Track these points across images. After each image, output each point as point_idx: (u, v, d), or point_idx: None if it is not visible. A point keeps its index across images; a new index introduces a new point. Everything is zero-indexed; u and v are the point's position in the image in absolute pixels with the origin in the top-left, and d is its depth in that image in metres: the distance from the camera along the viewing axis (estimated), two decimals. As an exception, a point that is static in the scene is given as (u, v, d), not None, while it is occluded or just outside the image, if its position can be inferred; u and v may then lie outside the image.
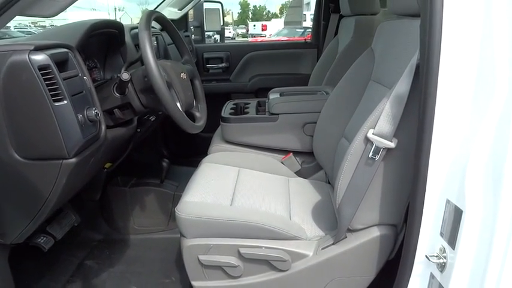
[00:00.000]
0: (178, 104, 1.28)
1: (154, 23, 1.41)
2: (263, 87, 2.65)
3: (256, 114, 1.78)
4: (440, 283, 0.82)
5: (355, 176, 1.03)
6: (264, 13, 53.98)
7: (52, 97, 0.94)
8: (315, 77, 2.37)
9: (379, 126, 0.98)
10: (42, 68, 0.92)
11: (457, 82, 0.78)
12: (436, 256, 0.83)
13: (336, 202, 1.08)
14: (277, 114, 1.69)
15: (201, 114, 1.46)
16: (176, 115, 1.21)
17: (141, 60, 1.50)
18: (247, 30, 25.81)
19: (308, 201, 1.37)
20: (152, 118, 1.64)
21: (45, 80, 0.93)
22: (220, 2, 2.98)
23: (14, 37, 3.45)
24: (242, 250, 1.13)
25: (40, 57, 0.92)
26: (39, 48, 0.94)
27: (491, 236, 0.74)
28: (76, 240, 1.74)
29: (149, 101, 1.29)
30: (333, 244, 1.11)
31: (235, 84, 2.72)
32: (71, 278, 1.57)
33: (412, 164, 0.88)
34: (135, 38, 1.54)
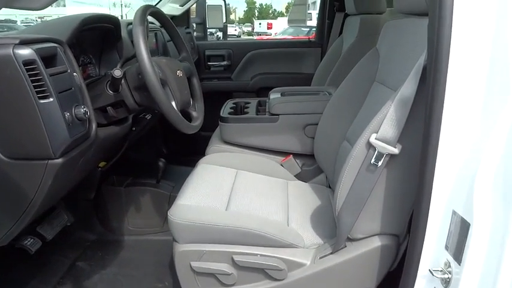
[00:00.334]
0: (173, 103, 1.23)
1: (154, 19, 1.36)
2: (265, 86, 2.59)
3: (256, 114, 1.73)
4: (444, 300, 0.77)
5: (356, 182, 0.97)
6: (270, 11, 53.87)
7: (37, 94, 0.89)
8: (318, 76, 2.31)
9: (383, 130, 0.93)
10: (27, 63, 0.88)
11: (466, 84, 0.72)
12: (441, 271, 0.78)
13: (335, 209, 1.03)
14: (278, 114, 1.64)
15: (197, 114, 1.41)
16: (170, 114, 1.16)
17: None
18: (253, 29, 25.74)
19: (307, 207, 1.31)
20: (148, 116, 1.60)
21: (30, 75, 0.88)
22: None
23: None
24: (236, 257, 1.08)
25: (25, 52, 0.87)
26: (24, 43, 0.89)
27: (500, 252, 0.68)
28: (68, 240, 1.70)
29: (143, 99, 1.24)
30: (331, 253, 1.06)
31: (236, 83, 2.66)
32: (62, 280, 1.52)
33: (416, 172, 0.83)
34: (131, 32, 1.49)
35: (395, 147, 0.92)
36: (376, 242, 1.02)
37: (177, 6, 2.42)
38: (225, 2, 2.95)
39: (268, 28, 21.02)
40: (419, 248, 0.82)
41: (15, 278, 1.48)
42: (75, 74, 1.05)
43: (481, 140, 0.71)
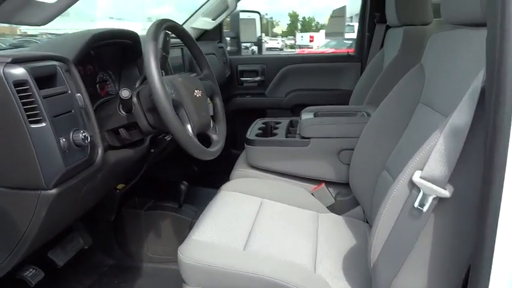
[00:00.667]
0: (188, 126, 1.11)
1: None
2: (300, 103, 2.45)
3: (286, 136, 1.58)
4: None
5: (395, 229, 0.80)
6: (313, 24, 53.81)
7: (28, 118, 0.80)
8: (357, 94, 2.13)
9: (429, 167, 0.75)
10: (19, 83, 0.79)
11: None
12: None
13: (370, 259, 0.85)
14: (309, 138, 1.48)
15: (218, 137, 1.28)
16: (182, 139, 1.04)
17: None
18: (296, 41, 25.71)
19: (339, 247, 1.14)
20: (168, 138, 1.49)
21: (21, 97, 0.79)
22: (257, 12, 2.83)
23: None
24: (251, 309, 0.93)
25: (16, 72, 0.79)
26: (18, 61, 0.81)
27: None
28: (85, 264, 1.61)
29: (157, 121, 1.13)
30: (364, 312, 0.88)
31: (270, 100, 2.53)
32: None
33: (473, 220, 0.66)
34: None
35: (445, 189, 0.74)
36: (421, 303, 0.83)
37: (210, 20, 2.34)
38: (260, 15, 2.86)
39: (310, 41, 20.88)
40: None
41: None
42: (78, 94, 0.95)
43: None
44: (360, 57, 2.42)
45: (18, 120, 0.79)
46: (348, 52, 2.53)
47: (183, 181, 1.65)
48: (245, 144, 1.56)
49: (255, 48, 3.01)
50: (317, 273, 1.00)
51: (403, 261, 0.80)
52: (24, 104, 0.79)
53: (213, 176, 2.17)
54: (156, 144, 1.43)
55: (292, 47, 23.99)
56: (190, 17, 2.37)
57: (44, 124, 0.81)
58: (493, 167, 0.60)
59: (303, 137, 1.49)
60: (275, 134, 1.60)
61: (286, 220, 1.24)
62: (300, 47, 19.82)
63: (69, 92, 0.90)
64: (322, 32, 26.97)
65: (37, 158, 0.81)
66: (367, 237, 1.20)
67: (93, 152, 0.97)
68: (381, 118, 1.31)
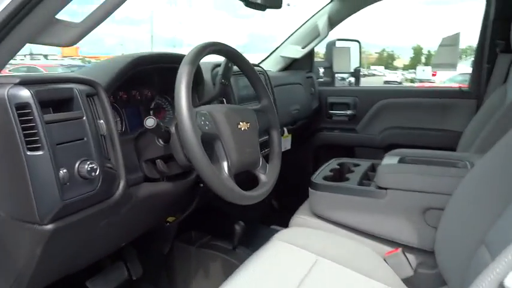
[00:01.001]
0: (224, 164, 0.95)
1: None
2: (395, 143, 2.11)
3: (361, 183, 1.31)
4: None
5: None
6: (439, 58, 50.35)
7: (27, 144, 0.72)
8: (467, 137, 1.74)
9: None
10: (21, 106, 0.72)
11: None
12: None
13: None
14: (386, 188, 1.20)
15: (267, 178, 1.09)
16: (209, 179, 0.88)
17: (208, 102, 1.24)
18: (416, 75, 24.20)
19: None
20: None
21: (22, 121, 0.72)
22: (357, 41, 2.60)
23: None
24: None
25: (20, 93, 0.72)
26: (26, 83, 0.74)
27: None
28: None
29: None
30: None
31: (361, 137, 2.25)
32: None
33: None
34: (215, 76, 1.30)
35: None
36: None
37: (299, 48, 2.20)
38: (359, 44, 2.62)
39: (433, 75, 19.34)
40: None
41: None
42: (101, 121, 0.87)
43: None
44: (476, 93, 2.01)
45: (16, 145, 0.71)
46: (460, 87, 2.13)
47: (240, 221, 1.49)
48: (309, 188, 1.34)
49: (352, 79, 2.76)
50: None
51: None
52: (24, 128, 0.72)
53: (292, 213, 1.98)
54: None
55: (412, 80, 22.54)
56: (280, 46, 2.27)
57: (41, 152, 0.73)
58: None
59: (379, 187, 1.21)
60: (347, 179, 1.34)
61: (340, 291, 0.98)
62: (421, 81, 18.48)
63: (84, 118, 0.81)
64: (448, 65, 24.86)
65: (31, 188, 0.73)
66: None
67: (108, 185, 0.86)
68: (485, 172, 0.98)
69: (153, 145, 1.04)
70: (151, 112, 1.24)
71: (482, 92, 1.93)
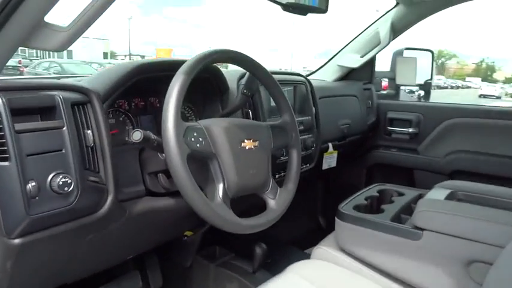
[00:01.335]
0: (219, 186, 0.85)
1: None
2: (463, 169, 1.83)
3: (397, 217, 1.12)
4: None
5: None
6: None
7: None
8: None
9: None
10: None
11: None
12: None
13: None
14: (422, 229, 1.00)
15: (276, 204, 0.97)
16: (195, 205, 0.79)
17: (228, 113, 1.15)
18: (518, 89, 21.77)
19: None
20: None
21: None
22: (429, 51, 2.32)
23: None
24: None
25: None
26: (4, 89, 0.71)
27: None
28: None
29: (194, 173, 0.91)
30: None
31: (423, 159, 1.99)
32: None
33: None
34: (239, 86, 1.20)
35: None
36: None
37: (357, 57, 2.01)
38: (432, 54, 2.34)
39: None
40: None
41: None
42: (88, 131, 0.82)
43: None
44: None
45: None
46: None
47: (261, 243, 1.37)
48: (335, 218, 1.18)
49: (421, 92, 2.47)
50: None
51: None
52: None
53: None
54: None
55: (512, 95, 20.35)
56: (338, 52, 2.10)
57: (7, 163, 0.69)
58: None
59: (415, 226, 1.02)
60: (382, 211, 1.16)
61: None
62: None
63: (64, 128, 0.77)
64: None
65: None
66: None
67: (91, 200, 0.81)
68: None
69: (156, 158, 0.97)
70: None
71: None
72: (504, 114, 1.88)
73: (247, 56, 0.98)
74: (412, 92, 2.52)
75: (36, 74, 12.28)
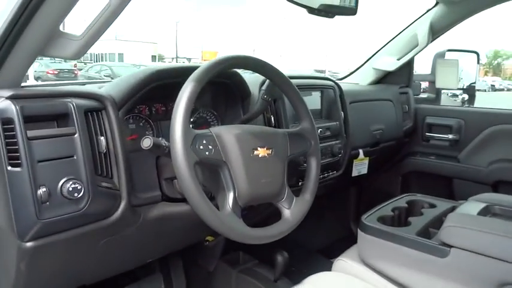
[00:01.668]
0: (230, 195, 0.84)
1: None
2: (507, 180, 1.70)
3: (421, 232, 1.05)
4: None
5: None
6: None
7: (9, 159, 0.72)
8: None
9: None
10: (6, 121, 0.72)
11: None
12: None
13: None
14: (450, 246, 0.93)
15: (291, 215, 0.94)
16: (202, 213, 0.78)
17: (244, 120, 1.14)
18: None
19: None
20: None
21: (6, 137, 0.72)
22: (475, 52, 2.18)
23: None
24: None
25: (5, 108, 0.72)
26: (17, 97, 0.74)
27: None
28: None
29: (206, 180, 0.90)
30: None
31: (464, 167, 1.86)
32: None
33: None
34: (261, 91, 1.18)
35: None
36: None
37: (394, 59, 1.92)
38: (478, 56, 2.20)
39: None
40: None
41: None
42: (101, 138, 0.83)
43: None
44: None
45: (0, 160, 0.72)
46: None
47: (283, 251, 1.33)
48: (358, 229, 1.13)
49: (465, 96, 2.33)
50: None
51: None
52: (7, 144, 0.72)
53: None
54: None
55: None
56: (373, 55, 2.02)
57: (19, 169, 0.72)
58: None
59: (443, 243, 0.95)
60: (408, 224, 1.09)
61: None
62: None
63: (76, 135, 0.79)
64: None
65: (11, 205, 0.72)
66: None
67: (103, 205, 0.82)
68: None
69: (170, 164, 0.98)
70: (191, 125, 1.18)
71: None
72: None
73: (263, 62, 0.96)
74: (455, 95, 2.38)
75: (89, 77, 12.96)
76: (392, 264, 1.03)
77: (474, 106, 2.19)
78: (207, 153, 0.81)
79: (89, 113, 0.83)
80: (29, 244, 0.75)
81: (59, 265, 0.86)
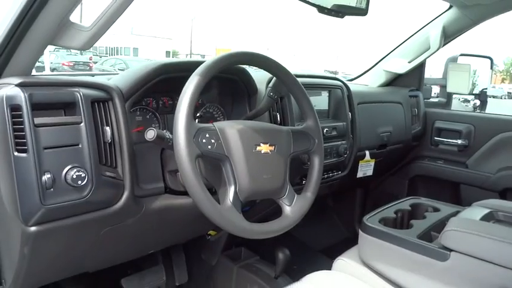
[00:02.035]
0: (231, 189, 0.84)
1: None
2: (515, 187, 1.68)
3: (423, 236, 1.05)
4: None
5: None
6: None
7: (16, 145, 0.74)
8: None
9: None
10: (14, 108, 0.74)
11: None
12: None
13: None
14: (450, 250, 0.93)
15: (292, 212, 0.94)
16: (202, 206, 0.79)
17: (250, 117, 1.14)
18: None
19: None
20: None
21: (13, 123, 0.74)
22: (488, 57, 2.15)
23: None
24: None
25: (14, 95, 0.74)
26: (26, 85, 0.76)
27: None
28: None
29: (208, 174, 0.91)
30: None
31: (471, 173, 1.85)
32: None
33: None
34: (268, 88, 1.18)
35: None
36: None
37: (405, 62, 1.91)
38: (491, 61, 2.17)
39: None
40: None
41: None
42: (107, 128, 0.85)
43: None
44: None
45: (7, 145, 0.74)
46: None
47: (285, 248, 1.34)
48: (359, 230, 1.13)
49: (477, 102, 2.30)
50: None
51: None
52: (14, 130, 0.74)
53: None
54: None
55: None
56: (383, 58, 2.01)
57: (25, 155, 0.73)
58: None
59: (443, 246, 0.95)
60: (410, 226, 1.09)
61: None
62: None
63: (82, 124, 0.80)
64: None
65: (17, 190, 0.74)
66: None
67: (106, 194, 0.84)
68: None
69: (173, 157, 0.99)
70: (196, 120, 1.19)
71: None
72: None
73: (269, 58, 0.96)
74: (467, 101, 2.35)
75: (103, 70, 13.10)
76: (391, 265, 1.03)
77: (485, 112, 2.16)
78: (209, 146, 0.82)
79: (96, 103, 0.84)
80: (32, 229, 0.77)
81: (61, 251, 0.88)
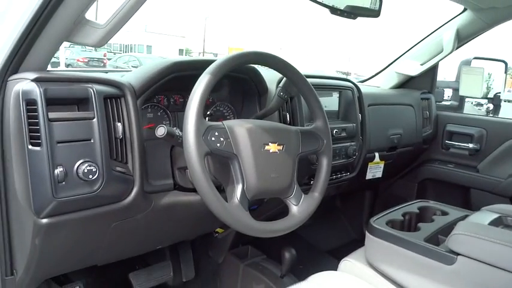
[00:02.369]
0: (239, 187, 0.85)
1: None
2: (527, 193, 1.66)
3: (430, 239, 1.04)
4: None
5: None
6: None
7: (30, 139, 0.76)
8: None
9: None
10: (30, 102, 0.76)
11: None
12: None
13: None
14: (457, 254, 0.92)
15: (298, 211, 0.95)
16: (210, 204, 0.80)
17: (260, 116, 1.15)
18: None
19: None
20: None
21: (29, 117, 0.76)
22: (503, 61, 2.13)
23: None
24: None
25: (30, 90, 0.76)
26: (41, 80, 0.78)
27: None
28: None
29: (217, 171, 0.92)
30: None
31: (482, 178, 1.83)
32: None
33: None
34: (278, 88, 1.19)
35: None
36: None
37: (417, 64, 1.90)
38: (506, 65, 2.14)
39: None
40: None
41: None
42: (118, 123, 0.86)
43: None
44: None
45: (22, 138, 0.76)
46: None
47: (291, 248, 1.35)
48: (366, 231, 1.13)
49: (490, 106, 2.27)
50: None
51: None
52: (30, 124, 0.76)
53: None
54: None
55: None
56: (395, 60, 2.00)
57: (39, 148, 0.75)
58: None
59: (450, 250, 0.94)
60: (417, 229, 1.09)
61: None
62: None
63: (94, 119, 0.82)
64: None
65: (30, 182, 0.76)
66: None
67: (116, 189, 0.86)
68: None
69: (183, 154, 1.00)
70: (207, 118, 1.20)
71: None
72: None
73: (279, 58, 0.97)
74: (480, 104, 2.33)
75: (117, 67, 13.24)
76: (397, 267, 1.03)
77: (497, 116, 2.14)
78: (218, 145, 0.83)
79: (109, 99, 0.86)
80: (44, 221, 0.79)
81: (71, 243, 0.90)
